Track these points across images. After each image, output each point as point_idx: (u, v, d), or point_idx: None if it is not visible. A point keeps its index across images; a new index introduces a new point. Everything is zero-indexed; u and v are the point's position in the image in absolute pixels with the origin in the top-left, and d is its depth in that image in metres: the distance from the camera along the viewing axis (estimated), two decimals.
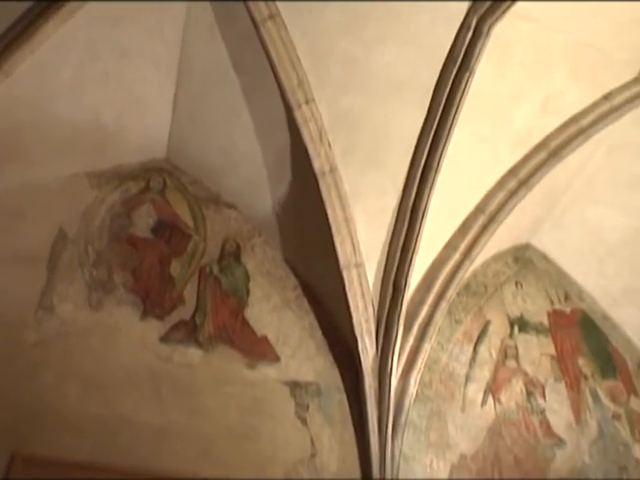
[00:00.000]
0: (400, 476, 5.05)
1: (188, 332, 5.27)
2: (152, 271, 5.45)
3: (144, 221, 5.65)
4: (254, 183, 5.67)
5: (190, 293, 5.47)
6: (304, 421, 5.16)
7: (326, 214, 5.14)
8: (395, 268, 5.28)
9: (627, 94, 5.75)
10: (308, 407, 5.22)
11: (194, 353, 5.20)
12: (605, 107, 5.76)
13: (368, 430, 5.14)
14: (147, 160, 5.88)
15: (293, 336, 5.46)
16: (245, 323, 5.44)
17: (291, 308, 5.58)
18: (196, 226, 5.77)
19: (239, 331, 5.39)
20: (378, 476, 4.96)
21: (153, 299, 5.34)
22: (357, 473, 5.08)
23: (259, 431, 5.01)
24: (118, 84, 5.28)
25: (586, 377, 6.51)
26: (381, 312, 5.28)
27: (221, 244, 5.74)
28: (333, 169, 5.14)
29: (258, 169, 5.57)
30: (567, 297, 6.95)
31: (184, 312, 5.37)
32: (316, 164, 5.11)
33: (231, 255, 5.70)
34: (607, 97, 5.75)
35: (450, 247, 5.64)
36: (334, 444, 5.13)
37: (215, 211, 5.87)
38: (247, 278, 5.64)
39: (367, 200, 5.26)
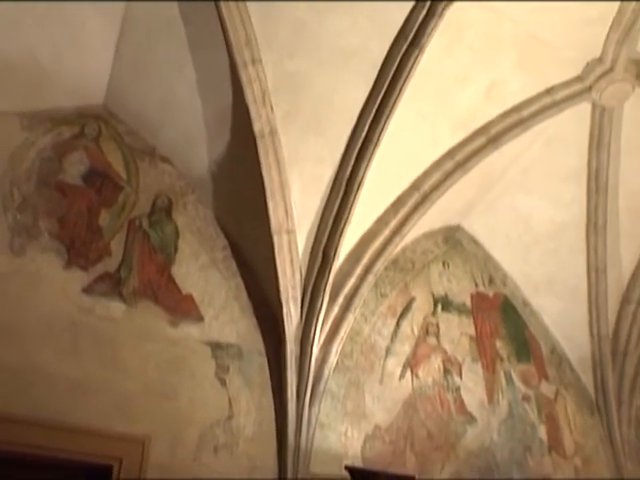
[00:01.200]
0: (315, 443, 5.09)
1: (112, 285, 5.14)
2: (79, 220, 5.26)
3: (75, 168, 5.44)
4: (192, 139, 5.52)
5: (117, 245, 5.31)
6: (223, 382, 5.12)
7: (262, 177, 5.06)
8: (326, 237, 5.26)
9: (569, 91, 5.86)
10: (228, 369, 5.18)
11: (117, 307, 5.08)
12: (547, 100, 5.86)
13: (286, 396, 5.14)
14: (83, 105, 5.65)
15: (218, 297, 5.39)
16: (171, 280, 5.34)
17: (219, 269, 5.50)
18: (129, 178, 5.60)
19: (164, 288, 5.28)
20: (293, 442, 4.98)
21: (78, 249, 5.16)
22: (273, 438, 5.08)
23: (177, 390, 4.95)
24: (60, 24, 5.03)
25: (502, 359, 6.69)
26: (308, 280, 5.26)
27: (153, 198, 5.59)
28: (273, 132, 5.05)
29: (197, 125, 5.43)
30: (491, 281, 7.09)
31: (109, 264, 5.22)
32: (256, 126, 5.01)
33: (162, 210, 5.56)
34: (550, 91, 5.84)
35: (382, 222, 5.66)
36: (252, 408, 5.12)
37: (150, 164, 5.70)
38: (177, 235, 5.52)
39: (304, 166, 5.21)
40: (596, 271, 7.17)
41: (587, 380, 7.42)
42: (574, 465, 6.78)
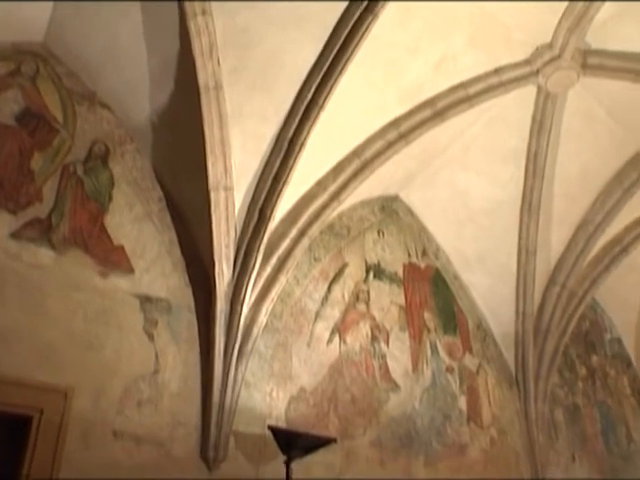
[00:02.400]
0: (239, 402, 5.09)
1: (42, 231, 4.98)
2: (10, 161, 5.06)
3: (8, 107, 5.22)
4: (134, 87, 5.36)
5: (49, 191, 5.14)
6: (151, 337, 5.05)
7: (203, 131, 4.95)
8: (263, 197, 5.21)
9: (516, 73, 5.93)
10: (157, 323, 5.10)
11: (45, 254, 4.93)
12: (494, 80, 5.91)
13: (214, 353, 5.11)
14: (21, 41, 5.41)
15: (151, 250, 5.28)
16: (103, 230, 5.20)
17: (153, 221, 5.38)
18: (65, 121, 5.40)
19: (96, 237, 5.14)
20: (218, 399, 4.97)
21: (8, 191, 4.97)
22: (198, 394, 5.06)
23: (104, 341, 4.87)
24: None
25: (429, 330, 6.80)
26: (242, 239, 5.21)
27: (89, 145, 5.41)
28: (218, 87, 4.93)
29: (141, 73, 5.27)
30: (424, 253, 7.17)
31: (40, 210, 5.05)
32: (201, 79, 4.89)
33: (98, 158, 5.39)
34: (498, 71, 5.89)
35: (321, 186, 5.63)
36: (178, 363, 5.06)
37: (88, 109, 5.51)
38: (112, 184, 5.36)
39: (247, 124, 5.11)
40: (526, 251, 7.34)
41: (509, 356, 7.64)
42: (490, 435, 7.00)
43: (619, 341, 10.24)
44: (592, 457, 8.50)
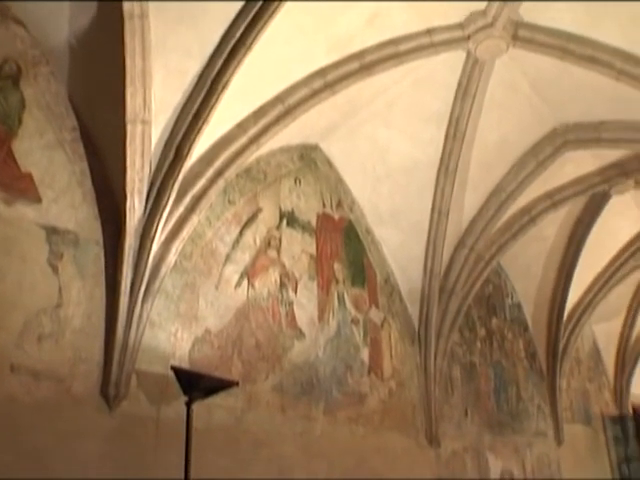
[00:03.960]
0: (143, 341, 5.05)
1: None
2: None
3: None
4: (53, 6, 5.04)
5: None
6: (55, 269, 4.88)
7: (124, 61, 4.74)
8: (182, 134, 5.08)
9: (448, 36, 5.98)
10: (62, 256, 4.94)
11: None
12: (425, 40, 5.94)
13: (120, 290, 5.01)
14: None
15: (60, 180, 5.07)
16: (10, 155, 4.95)
17: (65, 150, 5.15)
18: None
19: (1, 162, 4.90)
20: (122, 337, 4.90)
21: None
22: (101, 331, 4.96)
23: (5, 272, 4.68)
24: None
25: (337, 281, 6.92)
26: (157, 175, 5.07)
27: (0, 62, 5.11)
28: (144, 15, 4.71)
29: None
30: (339, 205, 7.25)
31: None
32: (126, 5, 4.65)
33: (9, 78, 5.10)
34: (430, 32, 5.92)
35: (241, 128, 5.56)
36: (82, 298, 4.94)
37: (0, 24, 5.18)
38: (22, 107, 5.08)
39: (170, 57, 4.94)
40: (439, 212, 7.53)
41: (413, 312, 7.89)
42: (389, 387, 7.26)
43: (519, 306, 10.74)
44: (483, 413, 8.97)
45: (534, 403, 10.52)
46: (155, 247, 5.07)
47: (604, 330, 13.73)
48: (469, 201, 7.91)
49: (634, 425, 13.51)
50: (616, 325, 13.88)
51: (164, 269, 5.18)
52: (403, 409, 7.42)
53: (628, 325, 13.88)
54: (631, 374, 14.47)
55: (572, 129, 7.48)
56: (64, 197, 5.05)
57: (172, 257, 5.24)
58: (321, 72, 5.78)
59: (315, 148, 7.03)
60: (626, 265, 11.19)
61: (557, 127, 7.51)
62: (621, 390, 14.30)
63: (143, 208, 5.04)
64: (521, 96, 6.96)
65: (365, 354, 7.06)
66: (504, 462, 9.13)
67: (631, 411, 14.26)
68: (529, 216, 8.62)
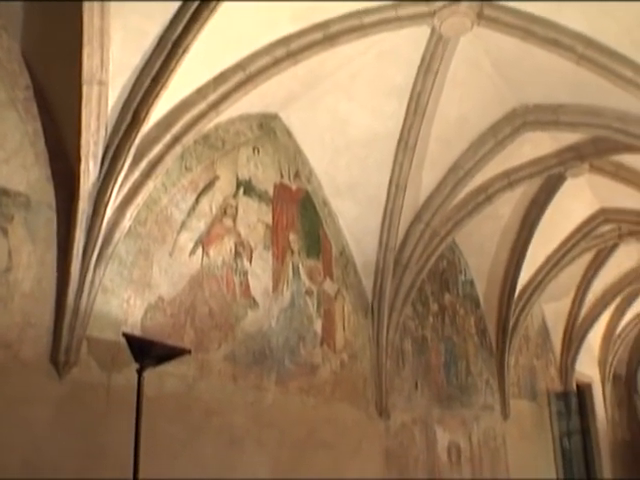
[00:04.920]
0: (95, 307, 4.99)
1: None
2: None
3: None
4: None
5: None
6: (5, 232, 4.77)
7: (82, 19, 4.59)
8: (139, 97, 4.96)
9: (413, 10, 5.94)
10: (12, 218, 4.82)
11: None
12: (390, 14, 5.90)
13: (72, 255, 4.92)
14: None
15: (12, 140, 4.91)
16: None
17: (17, 109, 4.98)
18: None
19: None
20: (73, 303, 4.84)
21: None
22: (52, 296, 4.86)
23: None
24: None
25: (293, 252, 6.95)
26: (113, 138, 4.97)
27: None
28: None
29: None
30: (297, 175, 7.26)
31: None
32: None
33: None
34: (395, 6, 5.88)
35: (200, 94, 5.47)
36: (33, 262, 4.84)
37: None
38: None
39: (130, 18, 4.79)
40: (396, 187, 7.60)
41: (367, 285, 7.98)
42: (341, 359, 7.36)
43: (471, 283, 10.95)
44: (433, 386, 9.17)
45: (482, 378, 10.79)
46: (109, 212, 4.99)
47: (553, 309, 14.11)
48: (427, 177, 7.99)
49: (577, 401, 13.99)
50: (565, 305, 14.26)
51: (118, 235, 5.11)
52: (354, 381, 7.54)
53: (576, 305, 14.29)
54: (577, 352, 14.94)
55: (532, 110, 7.58)
56: (15, 158, 4.90)
57: (126, 223, 5.16)
58: (284, 41, 5.73)
59: (275, 117, 6.99)
60: (577, 247, 11.49)
61: (517, 108, 7.61)
62: (566, 367, 14.77)
63: (98, 172, 4.95)
64: (483, 75, 7.02)
65: (318, 325, 7.13)
66: (451, 435, 9.38)
67: (575, 388, 14.75)
68: (485, 194, 8.76)
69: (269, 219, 6.73)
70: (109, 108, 4.87)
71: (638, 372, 22.81)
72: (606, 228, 11.40)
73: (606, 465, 16.66)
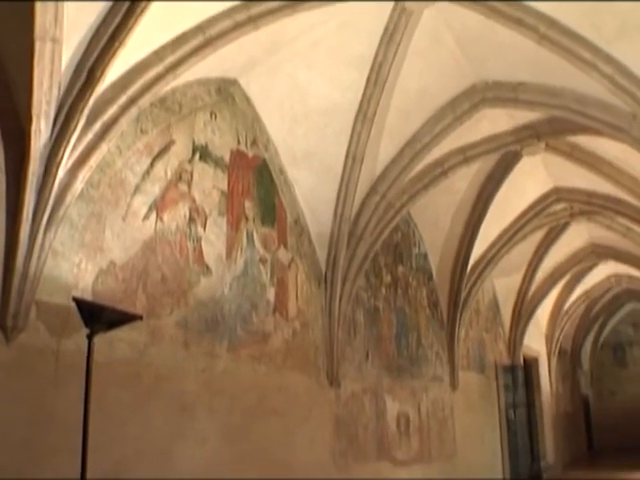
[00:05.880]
0: (45, 271, 4.89)
1: None
2: None
3: None
4: None
5: None
6: None
7: None
8: (95, 56, 4.79)
9: None
10: None
11: None
12: None
13: (21, 217, 4.77)
14: None
15: None
16: None
17: None
18: None
19: None
20: (22, 266, 4.72)
21: None
22: (0, 260, 4.77)
23: None
24: None
25: (247, 219, 6.94)
26: (66, 98, 4.81)
27: None
28: None
29: None
30: (254, 142, 7.22)
31: None
32: None
33: None
34: None
35: (158, 55, 5.34)
36: None
37: None
38: None
39: None
40: (353, 158, 7.64)
41: (321, 254, 8.04)
42: (293, 327, 7.43)
43: (425, 256, 11.12)
44: (384, 356, 9.34)
45: (433, 350, 11.03)
46: (61, 174, 4.87)
47: (504, 284, 14.44)
48: (384, 149, 8.04)
49: (523, 374, 14.41)
50: (515, 280, 14.61)
51: (69, 197, 4.99)
52: (306, 349, 7.63)
53: (527, 281, 14.67)
54: (525, 327, 15.37)
55: (491, 87, 7.67)
56: None
57: (78, 185, 5.04)
58: (245, 5, 5.64)
59: (234, 83, 6.90)
60: (530, 224, 11.75)
61: (477, 83, 7.69)
62: (515, 342, 15.19)
63: (50, 132, 4.81)
64: (445, 49, 7.06)
65: (271, 294, 7.17)
66: (401, 404, 9.59)
67: (522, 361, 15.18)
68: (442, 169, 8.86)
69: (224, 186, 6.68)
70: (63, 66, 4.71)
71: (583, 348, 23.58)
72: (558, 207, 11.68)
73: (548, 435, 17.28)
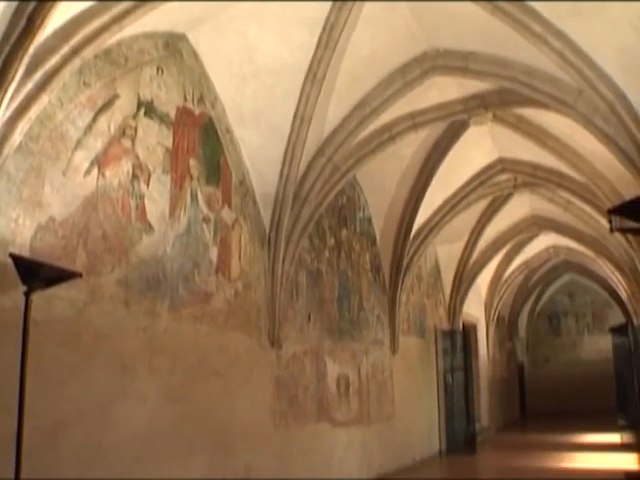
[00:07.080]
0: None
1: None
2: None
3: None
4: None
5: None
6: None
7: None
8: (35, 2, 4.55)
9: None
10: None
11: None
12: None
13: None
14: None
15: None
16: None
17: None
18: None
19: None
20: None
21: None
22: None
23: None
24: None
25: (192, 178, 6.88)
26: (3, 45, 4.38)
27: None
28: None
29: None
30: (201, 100, 7.12)
31: None
32: None
33: None
34: None
35: (103, 5, 5.00)
36: None
37: None
38: None
39: None
40: (301, 119, 7.62)
41: (266, 216, 8.05)
42: (235, 288, 7.45)
43: (369, 221, 11.24)
44: (325, 319, 9.46)
45: (374, 314, 11.22)
46: None
47: (446, 251, 14.75)
48: (333, 111, 8.04)
49: (462, 340, 14.81)
50: (457, 248, 14.94)
51: (7, 149, 4.78)
52: (248, 310, 7.66)
53: (468, 249, 15.03)
54: (465, 294, 15.77)
55: (442, 55, 7.74)
56: None
57: (17, 137, 4.84)
58: None
59: (182, 38, 6.73)
60: (474, 193, 12.00)
61: (428, 51, 7.74)
62: (455, 308, 15.60)
63: None
64: (398, 14, 7.07)
65: (214, 253, 7.14)
66: (341, 366, 9.76)
67: (461, 327, 15.59)
68: (389, 134, 8.93)
69: (169, 143, 6.57)
70: (0, 11, 4.55)
71: (520, 316, 24.34)
72: (503, 177, 11.93)
73: (484, 399, 17.89)
